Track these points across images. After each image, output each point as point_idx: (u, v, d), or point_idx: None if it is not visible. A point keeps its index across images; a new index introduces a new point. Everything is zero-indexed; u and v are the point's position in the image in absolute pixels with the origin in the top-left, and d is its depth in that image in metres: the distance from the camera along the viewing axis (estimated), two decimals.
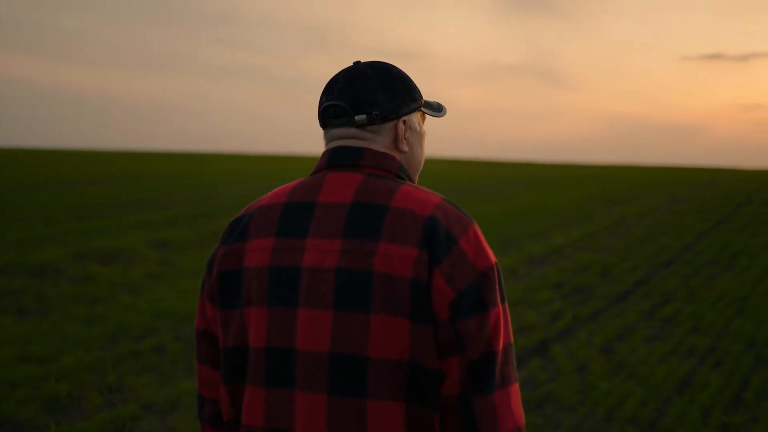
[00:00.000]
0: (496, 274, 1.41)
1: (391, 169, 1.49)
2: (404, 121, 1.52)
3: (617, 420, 4.96)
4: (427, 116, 1.61)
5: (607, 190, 24.98)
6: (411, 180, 1.54)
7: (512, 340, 1.44)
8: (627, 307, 8.27)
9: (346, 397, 1.36)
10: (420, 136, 1.56)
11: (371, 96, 1.48)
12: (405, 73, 1.54)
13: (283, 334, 1.41)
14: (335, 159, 1.49)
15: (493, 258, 1.42)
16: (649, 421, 4.98)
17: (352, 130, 1.50)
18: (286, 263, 1.42)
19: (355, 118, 1.48)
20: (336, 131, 1.51)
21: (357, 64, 1.53)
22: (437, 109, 1.60)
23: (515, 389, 1.41)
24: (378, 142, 1.50)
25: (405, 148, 1.52)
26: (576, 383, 5.62)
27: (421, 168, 1.60)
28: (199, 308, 1.55)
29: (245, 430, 1.45)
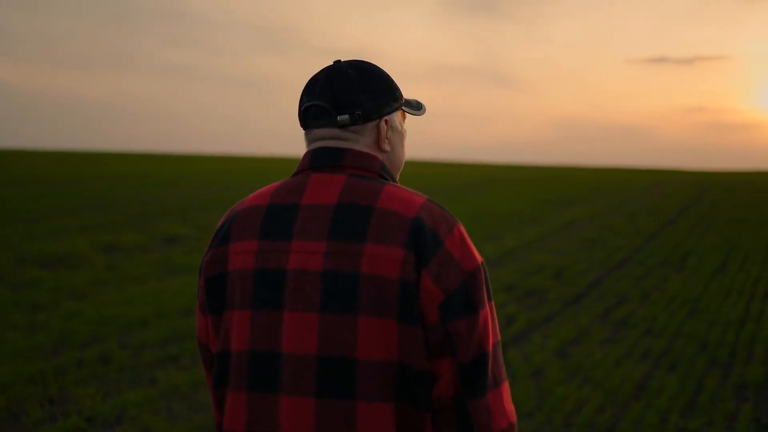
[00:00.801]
0: (482, 273, 1.41)
1: (373, 169, 1.47)
2: (386, 121, 1.50)
3: (575, 426, 4.90)
4: (407, 115, 1.60)
5: (557, 192, 25.16)
6: (393, 180, 1.52)
7: (499, 338, 1.45)
8: (580, 310, 8.26)
9: (335, 399, 1.35)
10: (401, 135, 1.55)
11: (353, 96, 1.47)
12: (386, 72, 1.53)
13: (267, 337, 1.40)
14: (317, 160, 1.47)
15: (479, 258, 1.42)
16: (606, 426, 4.93)
17: (335, 131, 1.48)
18: (271, 266, 1.41)
19: (338, 118, 1.46)
20: (318, 131, 1.49)
21: (337, 63, 1.51)
22: (417, 108, 1.59)
23: (506, 387, 1.43)
24: (360, 142, 1.49)
25: (387, 147, 1.51)
26: (532, 389, 5.56)
27: (402, 167, 1.59)
28: (197, 319, 1.55)
29: None
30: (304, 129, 1.52)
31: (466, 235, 1.43)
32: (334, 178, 1.45)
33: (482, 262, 1.43)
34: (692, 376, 6.02)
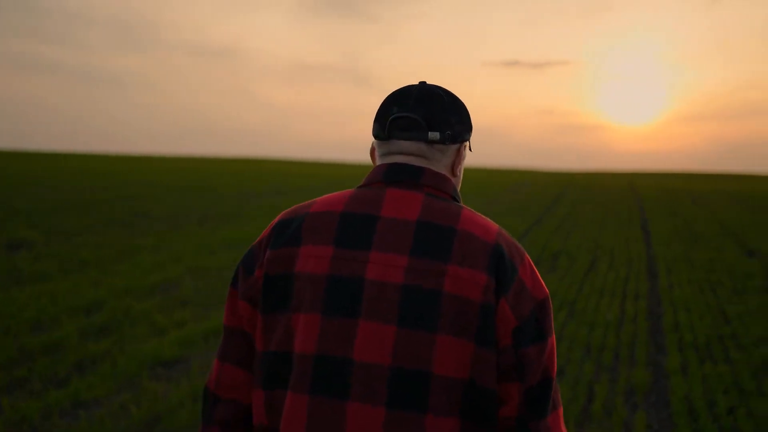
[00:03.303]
0: (549, 303, 1.46)
1: (448, 190, 1.50)
2: (464, 147, 1.55)
3: None
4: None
5: None
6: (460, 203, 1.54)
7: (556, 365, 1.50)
8: None
9: (406, 410, 1.38)
10: (463, 164, 1.59)
11: (445, 116, 1.50)
12: None
13: (338, 343, 1.40)
14: (394, 175, 1.49)
15: (546, 289, 1.47)
16: None
17: (421, 146, 1.50)
18: (347, 273, 1.42)
19: (429, 134, 1.49)
20: (403, 144, 1.50)
21: (424, 83, 1.54)
22: (470, 149, 1.64)
23: (561, 412, 1.50)
24: (441, 162, 1.52)
25: (459, 172, 1.56)
26: None
27: None
28: (229, 306, 1.53)
29: None
30: (384, 139, 1.51)
31: (533, 265, 1.46)
32: (412, 195, 1.46)
33: (548, 294, 1.47)
34: (582, 382, 5.86)
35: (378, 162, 1.54)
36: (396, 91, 1.53)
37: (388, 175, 1.48)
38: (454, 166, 1.54)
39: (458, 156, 1.54)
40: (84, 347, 6.30)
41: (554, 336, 1.47)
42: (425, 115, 1.48)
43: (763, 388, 5.85)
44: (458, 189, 1.57)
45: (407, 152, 1.50)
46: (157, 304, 7.98)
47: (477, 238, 1.42)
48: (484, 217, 1.49)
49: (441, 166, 1.52)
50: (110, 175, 27.41)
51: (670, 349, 6.92)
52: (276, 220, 1.53)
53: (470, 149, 1.63)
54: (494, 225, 1.47)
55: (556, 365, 1.51)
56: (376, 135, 1.53)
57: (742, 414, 5.26)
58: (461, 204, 1.51)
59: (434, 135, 1.48)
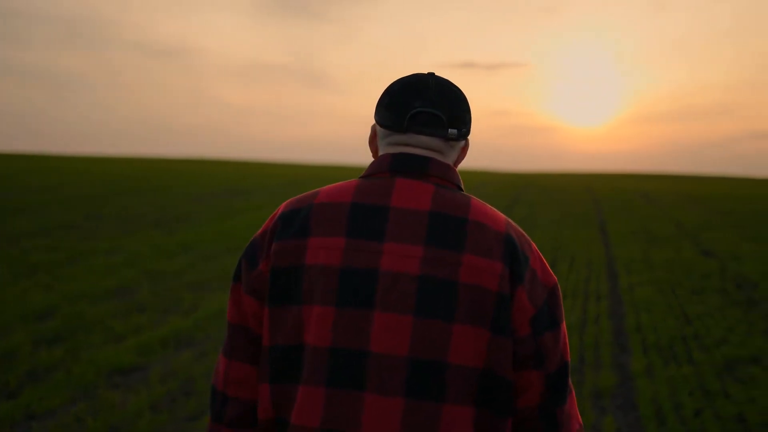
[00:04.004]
0: (559, 290, 1.49)
1: (454, 180, 1.51)
2: (468, 142, 1.58)
3: None
4: None
5: None
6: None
7: None
8: None
9: (424, 400, 1.38)
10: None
11: (462, 113, 1.51)
12: None
13: (353, 335, 1.40)
14: (402, 165, 1.48)
15: (554, 276, 1.49)
16: None
17: (439, 142, 1.50)
18: (360, 265, 1.41)
19: (448, 131, 1.49)
20: (422, 139, 1.50)
21: (433, 74, 1.52)
22: None
23: (574, 394, 1.49)
24: (451, 157, 1.53)
25: (457, 165, 1.58)
26: None
27: None
28: (233, 301, 1.51)
29: (295, 430, 1.41)
30: (400, 131, 1.49)
31: (540, 253, 1.48)
32: (422, 185, 1.46)
33: (557, 280, 1.50)
34: None
35: (382, 151, 1.52)
36: (407, 80, 1.51)
37: (395, 166, 1.48)
38: (457, 161, 1.56)
39: (463, 151, 1.57)
40: (36, 356, 6.07)
41: (565, 321, 1.50)
42: (447, 112, 1.48)
43: (727, 389, 5.86)
44: None
45: (425, 146, 1.49)
46: (113, 309, 7.75)
47: (489, 228, 1.43)
48: (491, 207, 1.51)
49: (449, 161, 1.54)
50: (61, 176, 26.85)
51: (635, 351, 6.91)
52: (279, 211, 1.50)
53: None
54: (501, 215, 1.49)
55: (569, 350, 1.52)
56: (387, 125, 1.50)
57: (708, 416, 5.25)
58: (467, 194, 1.51)
59: (453, 132, 1.49)
